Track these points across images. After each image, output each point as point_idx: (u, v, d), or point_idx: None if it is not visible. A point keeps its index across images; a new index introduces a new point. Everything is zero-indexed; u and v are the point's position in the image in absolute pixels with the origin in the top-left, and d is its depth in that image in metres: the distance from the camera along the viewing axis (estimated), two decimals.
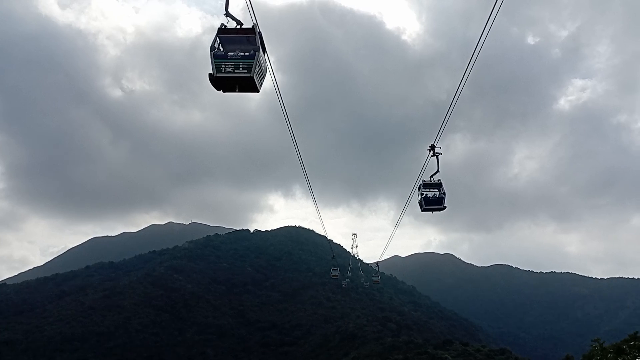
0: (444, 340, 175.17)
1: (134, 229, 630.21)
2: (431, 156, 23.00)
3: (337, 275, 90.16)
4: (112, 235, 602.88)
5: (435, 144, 22.44)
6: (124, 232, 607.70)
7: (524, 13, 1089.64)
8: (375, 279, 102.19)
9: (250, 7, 15.24)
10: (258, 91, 12.22)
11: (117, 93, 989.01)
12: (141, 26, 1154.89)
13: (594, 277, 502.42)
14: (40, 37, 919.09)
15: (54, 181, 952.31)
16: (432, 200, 25.57)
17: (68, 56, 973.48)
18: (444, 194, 25.45)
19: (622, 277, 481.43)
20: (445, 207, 25.82)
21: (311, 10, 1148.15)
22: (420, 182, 25.56)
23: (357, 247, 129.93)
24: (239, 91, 12.66)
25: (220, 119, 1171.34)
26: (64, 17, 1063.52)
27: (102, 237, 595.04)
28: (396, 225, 33.51)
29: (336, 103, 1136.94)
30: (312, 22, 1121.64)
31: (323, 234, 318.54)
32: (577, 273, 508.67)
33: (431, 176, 24.83)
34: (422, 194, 25.82)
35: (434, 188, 25.60)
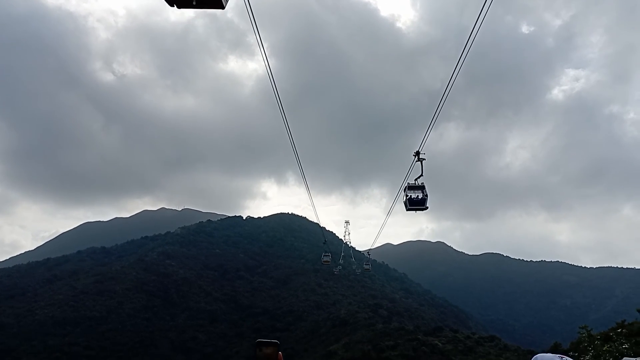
0: (435, 327, 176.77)
1: (126, 215, 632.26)
2: (416, 161, 24.70)
3: (328, 262, 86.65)
4: (104, 220, 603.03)
5: (420, 150, 24.05)
6: (116, 218, 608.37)
7: (518, 1, 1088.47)
8: (366, 267, 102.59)
9: None
10: (223, 7, 8.03)
11: (108, 77, 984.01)
12: (132, 9, 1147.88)
13: (583, 266, 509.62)
14: (30, 18, 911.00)
15: (46, 165, 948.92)
16: (416, 201, 27.97)
17: (58, 39, 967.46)
18: (427, 195, 27.84)
19: (611, 267, 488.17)
20: (427, 207, 28.21)
21: None
22: (406, 185, 27.76)
23: (349, 234, 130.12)
24: (198, 7, 8.04)
25: (213, 105, 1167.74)
26: None
27: (94, 222, 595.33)
28: (388, 213, 33.88)
29: (330, 90, 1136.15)
30: (306, 8, 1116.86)
31: (316, 221, 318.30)
32: (566, 262, 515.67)
33: (415, 179, 26.87)
34: (407, 195, 28.06)
35: (417, 190, 27.87)
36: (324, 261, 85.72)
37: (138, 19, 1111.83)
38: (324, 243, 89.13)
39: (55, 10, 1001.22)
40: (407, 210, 28.49)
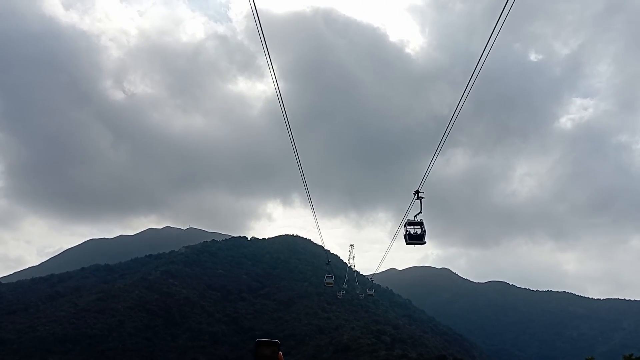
0: (438, 355, 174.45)
1: (131, 232, 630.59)
2: (415, 199, 26.46)
3: (331, 284, 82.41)
4: (109, 237, 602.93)
5: (419, 189, 25.95)
6: (121, 235, 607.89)
7: (527, 29, 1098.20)
8: (369, 292, 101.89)
9: (256, 14, 15.35)
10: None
11: (118, 95, 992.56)
12: (145, 29, 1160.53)
13: (590, 297, 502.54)
14: (44, 36, 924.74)
15: (53, 181, 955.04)
16: (415, 236, 29.98)
17: (71, 57, 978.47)
18: (424, 231, 29.83)
19: (618, 299, 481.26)
20: (425, 242, 30.25)
21: (314, 19, 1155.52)
22: (406, 221, 29.72)
23: (353, 257, 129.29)
24: None
25: (221, 125, 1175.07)
26: (67, 18, 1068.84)
27: (99, 239, 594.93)
28: (393, 239, 34.06)
29: (338, 113, 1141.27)
30: (316, 31, 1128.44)
31: (320, 243, 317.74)
32: (573, 293, 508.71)
33: (415, 216, 28.61)
34: (407, 231, 30.05)
35: (416, 226, 29.80)
36: (326, 283, 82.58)
37: (149, 39, 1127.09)
38: (327, 264, 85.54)
39: (69, 29, 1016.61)
40: (406, 244, 30.38)
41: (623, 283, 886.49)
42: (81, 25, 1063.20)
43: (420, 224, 29.72)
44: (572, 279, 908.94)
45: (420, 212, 27.80)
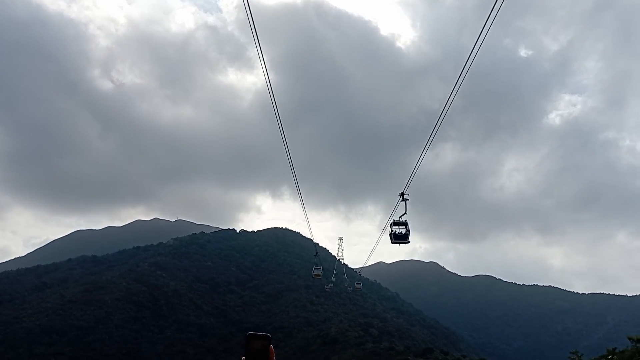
0: (425, 348, 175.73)
1: (119, 224, 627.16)
2: (400, 201, 27.81)
3: (319, 275, 79.82)
4: (97, 228, 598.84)
5: (404, 192, 27.19)
6: (108, 226, 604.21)
7: (517, 24, 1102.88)
8: (357, 285, 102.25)
9: (247, 4, 15.16)
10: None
11: (107, 85, 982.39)
12: (133, 18, 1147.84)
13: (575, 291, 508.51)
14: (30, 24, 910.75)
15: (40, 171, 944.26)
16: (399, 235, 31.61)
17: (58, 45, 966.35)
18: (409, 231, 31.49)
19: (603, 293, 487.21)
20: (409, 241, 31.90)
21: (306, 11, 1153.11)
22: (392, 221, 31.30)
23: (342, 250, 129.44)
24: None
25: (211, 117, 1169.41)
26: (54, 5, 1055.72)
27: (86, 230, 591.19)
28: (382, 232, 34.37)
29: (328, 106, 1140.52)
30: (307, 24, 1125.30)
31: (309, 236, 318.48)
32: (559, 287, 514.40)
33: (400, 216, 30.20)
34: (392, 230, 31.64)
35: (401, 226, 31.32)
36: (314, 275, 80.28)
37: (138, 28, 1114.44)
38: (315, 255, 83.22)
39: (56, 16, 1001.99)
40: (392, 243, 32.05)
41: (608, 278, 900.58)
42: (68, 12, 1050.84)
43: (405, 224, 31.19)
44: (558, 273, 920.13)
45: (405, 212, 29.27)
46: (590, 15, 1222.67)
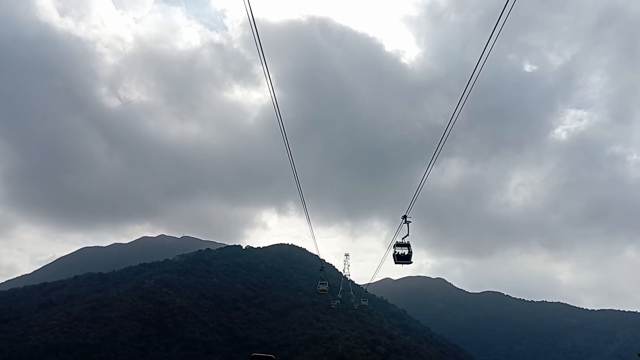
0: None
1: (125, 240, 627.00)
2: (403, 223, 29.39)
3: (325, 290, 76.88)
4: (103, 245, 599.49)
5: (406, 215, 28.79)
6: (114, 243, 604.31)
7: (521, 39, 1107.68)
8: (363, 302, 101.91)
9: (253, 22, 15.60)
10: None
11: (113, 102, 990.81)
12: (140, 36, 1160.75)
13: (584, 307, 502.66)
14: (38, 42, 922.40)
15: (47, 188, 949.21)
16: (402, 256, 33.13)
17: (65, 63, 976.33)
18: (411, 252, 32.95)
19: (612, 309, 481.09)
20: (411, 262, 33.41)
21: (310, 28, 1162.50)
22: (395, 242, 33.03)
23: (349, 266, 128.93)
24: None
25: (216, 133, 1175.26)
26: (62, 24, 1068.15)
27: (92, 247, 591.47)
28: (388, 248, 35.12)
29: (333, 122, 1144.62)
30: (312, 40, 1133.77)
31: (315, 253, 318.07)
32: (567, 303, 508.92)
33: (403, 238, 31.82)
34: (395, 251, 33.23)
35: (404, 247, 32.87)
36: (320, 290, 77.46)
37: (145, 46, 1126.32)
38: (320, 269, 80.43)
39: (64, 35, 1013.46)
40: (395, 263, 33.82)
41: (617, 294, 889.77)
42: (76, 31, 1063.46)
43: (408, 245, 32.77)
44: (566, 289, 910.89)
45: (408, 234, 30.90)
46: (595, 30, 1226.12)
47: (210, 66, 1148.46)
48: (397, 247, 33.12)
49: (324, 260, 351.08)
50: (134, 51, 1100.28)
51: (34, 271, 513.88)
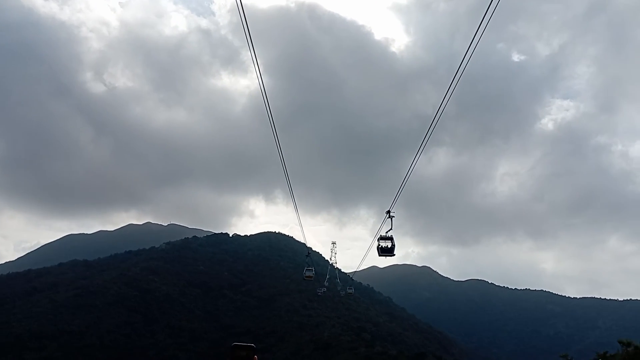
0: (418, 352, 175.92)
1: (111, 228, 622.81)
2: (387, 218, 30.96)
3: (311, 277, 74.99)
4: (88, 233, 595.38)
5: (390, 210, 30.35)
6: (100, 231, 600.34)
7: (510, 29, 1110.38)
8: (349, 290, 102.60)
9: (241, 7, 15.17)
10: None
11: (99, 88, 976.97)
12: (126, 21, 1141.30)
13: (567, 295, 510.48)
14: (22, 26, 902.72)
15: (32, 175, 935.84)
16: (385, 249, 34.76)
17: (49, 47, 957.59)
18: (394, 245, 34.67)
19: (594, 297, 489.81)
20: (394, 254, 35.17)
21: (299, 14, 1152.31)
22: (379, 236, 34.53)
23: (335, 254, 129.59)
24: None
25: (204, 120, 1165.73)
26: (46, 8, 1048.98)
27: (77, 234, 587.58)
28: (374, 237, 35.51)
29: (322, 110, 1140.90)
30: (300, 27, 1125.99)
31: (302, 241, 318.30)
32: (551, 291, 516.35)
33: (386, 232, 33.36)
34: (379, 244, 34.90)
35: (387, 240, 34.41)
36: (306, 276, 75.38)
37: (131, 31, 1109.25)
38: (307, 255, 78.53)
39: (48, 19, 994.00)
40: (379, 255, 35.68)
41: (599, 282, 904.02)
42: (60, 15, 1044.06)
43: (391, 238, 34.28)
44: (550, 277, 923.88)
45: (391, 229, 32.48)
46: (583, 20, 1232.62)
47: (197, 52, 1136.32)
48: (380, 241, 34.59)
49: (310, 248, 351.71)
50: (120, 36, 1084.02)
51: (18, 258, 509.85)
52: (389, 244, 34.56)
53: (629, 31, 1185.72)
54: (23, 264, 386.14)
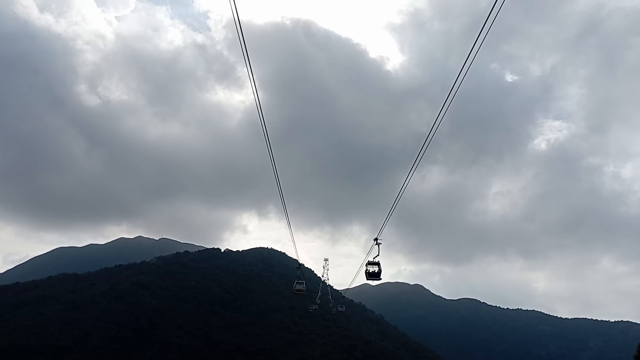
0: None
1: (102, 241, 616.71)
2: (374, 244, 32.97)
3: (301, 290, 69.49)
4: (79, 246, 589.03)
5: (377, 237, 32.28)
6: (90, 244, 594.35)
7: (504, 49, 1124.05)
8: (340, 308, 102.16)
9: (238, 23, 15.46)
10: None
11: (93, 101, 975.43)
12: (122, 34, 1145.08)
13: (559, 316, 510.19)
14: (17, 38, 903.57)
15: (23, 187, 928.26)
16: (372, 273, 37.41)
17: (45, 59, 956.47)
18: (380, 270, 37.26)
19: (586, 318, 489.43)
20: (381, 278, 37.73)
21: (295, 31, 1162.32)
22: (367, 261, 37.22)
23: (328, 271, 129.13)
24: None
25: (198, 135, 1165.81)
26: (42, 20, 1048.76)
27: (67, 247, 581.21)
28: (367, 254, 36.37)
29: (316, 126, 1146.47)
30: (296, 44, 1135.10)
31: (295, 257, 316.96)
32: (542, 311, 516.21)
33: (374, 257, 36.10)
34: (366, 269, 37.52)
35: (375, 265, 37.14)
36: (296, 290, 70.07)
37: (126, 45, 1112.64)
38: (297, 267, 73.31)
39: (44, 31, 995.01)
40: (367, 279, 38.28)
41: (591, 303, 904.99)
42: (56, 27, 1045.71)
43: (378, 263, 36.91)
44: (542, 297, 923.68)
45: (378, 255, 34.91)
46: (575, 42, 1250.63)
47: (192, 67, 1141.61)
48: (368, 266, 37.39)
49: (302, 265, 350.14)
50: (115, 49, 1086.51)
51: (7, 271, 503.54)
52: (376, 269, 37.15)
53: (620, 53, 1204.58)
54: (11, 276, 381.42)
